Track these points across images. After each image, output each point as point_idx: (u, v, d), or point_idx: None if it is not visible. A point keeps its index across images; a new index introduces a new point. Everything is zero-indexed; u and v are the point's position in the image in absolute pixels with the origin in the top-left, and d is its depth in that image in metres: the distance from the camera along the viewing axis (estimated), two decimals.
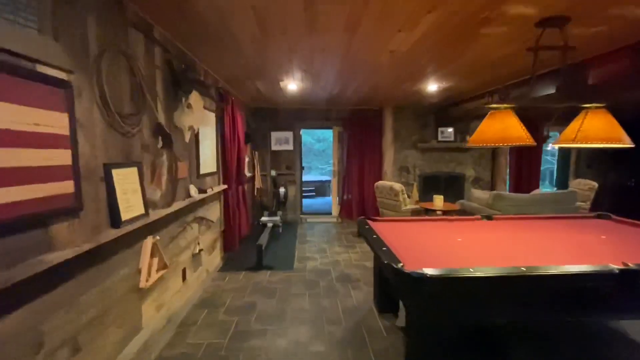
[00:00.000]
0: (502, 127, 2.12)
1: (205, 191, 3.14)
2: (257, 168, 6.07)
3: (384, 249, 2.01)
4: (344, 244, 4.78)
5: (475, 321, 1.72)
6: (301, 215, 6.65)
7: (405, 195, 4.56)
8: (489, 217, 2.94)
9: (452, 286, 1.58)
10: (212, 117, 3.57)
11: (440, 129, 6.47)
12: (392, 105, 6.20)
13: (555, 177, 8.30)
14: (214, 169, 3.70)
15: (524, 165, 6.59)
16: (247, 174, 5.40)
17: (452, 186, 6.72)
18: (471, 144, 2.29)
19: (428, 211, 4.45)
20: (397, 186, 4.54)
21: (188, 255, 2.94)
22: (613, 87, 2.85)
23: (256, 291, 3.23)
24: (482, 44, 2.68)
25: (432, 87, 4.38)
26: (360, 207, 6.51)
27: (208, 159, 3.43)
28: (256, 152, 6.13)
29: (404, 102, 5.89)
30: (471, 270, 1.61)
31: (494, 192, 4.01)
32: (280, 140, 6.38)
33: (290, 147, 6.40)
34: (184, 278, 2.82)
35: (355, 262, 4.01)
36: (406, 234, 2.49)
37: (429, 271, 1.57)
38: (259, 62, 3.22)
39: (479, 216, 2.98)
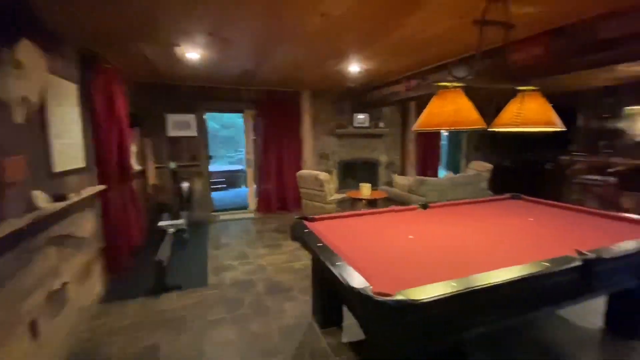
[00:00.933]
0: (455, 108, 1.88)
1: (64, 197, 2.13)
2: (151, 159, 4.89)
3: (338, 263, 1.55)
4: (267, 244, 4.20)
5: (452, 339, 1.43)
6: (212, 213, 5.74)
7: (331, 185, 4.24)
8: (424, 206, 2.81)
9: (439, 309, 1.24)
10: (70, 88, 2.46)
11: (355, 115, 6.38)
12: (310, 88, 5.77)
13: (446, 161, 9.32)
14: (82, 164, 2.62)
15: (428, 151, 7.10)
16: (136, 167, 4.24)
17: (367, 172, 6.78)
18: (419, 129, 2.00)
19: (355, 200, 4.24)
20: (323, 175, 4.17)
21: (40, 298, 1.94)
22: (527, 73, 3.01)
23: (159, 325, 2.42)
24: (420, 17, 2.42)
25: (356, 67, 4.08)
26: (280, 199, 5.98)
27: (68, 150, 2.37)
28: (147, 140, 4.92)
29: (323, 85, 5.52)
30: (453, 284, 1.29)
31: (418, 177, 4.02)
32: (180, 125, 5.28)
33: (193, 132, 5.36)
34: (34, 334, 1.84)
35: (284, 265, 3.51)
36: (353, 235, 2.10)
37: (410, 295, 1.18)
38: (143, 15, 2.29)
39: (415, 206, 2.81)
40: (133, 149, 4.26)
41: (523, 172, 6.83)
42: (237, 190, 9.34)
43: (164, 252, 3.20)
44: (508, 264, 1.50)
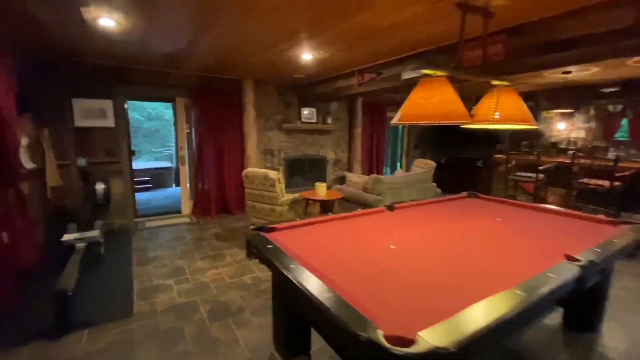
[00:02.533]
0: (443, 99, 1.66)
1: None
2: (50, 156, 3.84)
3: (327, 295, 1.19)
4: (208, 255, 3.61)
5: None
6: (136, 219, 4.83)
7: (283, 185, 3.82)
8: (390, 208, 2.60)
9: (469, 351, 0.96)
10: None
11: (303, 109, 6.03)
12: (253, 78, 5.22)
13: (388, 158, 9.58)
14: None
15: (374, 148, 7.12)
16: (27, 165, 3.26)
17: (314, 169, 6.51)
18: (403, 122, 1.74)
19: (309, 202, 3.89)
20: (273, 174, 3.73)
21: None
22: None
23: None
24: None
25: (308, 55, 3.72)
26: (220, 201, 5.33)
27: None
28: (45, 131, 3.86)
29: (267, 74, 5.03)
30: (478, 316, 1.04)
31: (373, 176, 3.85)
32: (92, 113, 4.28)
33: (109, 122, 4.40)
34: None
35: (231, 280, 3.00)
36: (326, 249, 1.76)
37: (442, 339, 0.89)
38: None
39: (382, 207, 2.59)
40: (22, 142, 3.27)
41: (457, 169, 7.30)
42: (165, 190, 8.24)
43: (69, 276, 2.44)
44: (512, 277, 1.31)
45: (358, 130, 6.62)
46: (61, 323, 2.19)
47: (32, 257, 2.86)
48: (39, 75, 3.82)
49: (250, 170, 3.97)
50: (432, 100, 1.66)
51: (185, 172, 5.28)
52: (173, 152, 15.08)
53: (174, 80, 4.80)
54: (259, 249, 1.73)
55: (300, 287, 1.27)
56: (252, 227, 1.98)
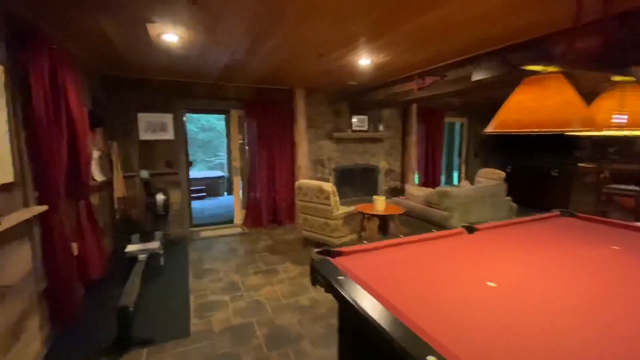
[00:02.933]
0: (563, 101, 1.31)
1: None
2: (117, 167, 4.06)
3: (422, 347, 0.91)
4: (261, 269, 3.50)
5: None
6: (192, 229, 4.95)
7: (337, 198, 3.61)
8: (470, 229, 2.24)
9: None
10: None
11: (353, 117, 5.80)
12: (305, 87, 5.13)
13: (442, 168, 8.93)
14: (8, 178, 1.83)
15: (429, 157, 6.64)
16: (98, 177, 3.43)
17: (365, 179, 6.22)
18: (501, 130, 1.42)
19: (366, 216, 3.62)
20: (328, 187, 3.54)
21: None
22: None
23: None
24: None
25: (366, 60, 3.50)
26: (271, 211, 5.27)
27: None
28: (114, 144, 4.09)
29: (319, 83, 4.91)
30: None
31: (439, 189, 3.47)
32: (154, 126, 4.48)
33: (169, 135, 4.57)
34: None
35: (287, 301, 2.82)
36: (406, 283, 1.48)
37: None
38: None
39: (460, 229, 2.23)
40: (94, 155, 3.45)
41: (527, 179, 6.50)
42: (218, 199, 8.49)
43: (131, 290, 2.44)
44: None
45: (412, 138, 6.21)
46: (123, 340, 2.16)
47: (100, 267, 2.96)
48: (109, 92, 4.08)
49: (303, 182, 3.82)
50: (547, 103, 1.32)
51: (237, 182, 5.31)
52: (224, 161, 15.80)
53: (229, 92, 4.88)
54: (327, 279, 1.51)
55: (385, 333, 1.02)
56: (316, 250, 1.77)
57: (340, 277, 1.47)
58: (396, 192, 6.20)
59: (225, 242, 4.48)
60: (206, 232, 4.90)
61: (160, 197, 3.96)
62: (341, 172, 5.89)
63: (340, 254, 1.76)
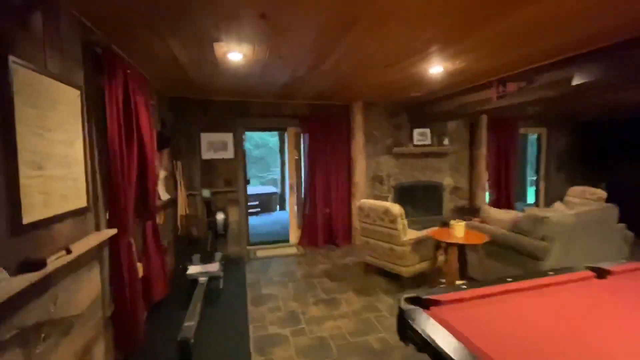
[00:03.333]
0: None
1: (42, 263, 1.31)
2: (181, 187, 4.16)
3: None
4: (321, 298, 3.22)
5: None
6: (249, 247, 4.89)
7: (405, 221, 3.23)
8: (599, 272, 1.72)
9: None
10: (65, 94, 1.70)
11: (415, 131, 5.38)
12: (363, 100, 4.89)
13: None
14: (81, 203, 1.82)
15: (502, 172, 5.90)
16: (163, 196, 3.50)
17: (428, 197, 5.69)
18: None
19: (440, 244, 3.17)
20: (395, 209, 3.18)
21: None
22: None
23: None
24: None
25: (436, 69, 3.14)
26: (326, 230, 5.03)
27: (56, 185, 1.57)
28: (178, 163, 4.22)
29: (379, 96, 4.63)
30: None
31: (531, 213, 2.91)
32: (216, 146, 4.56)
33: (229, 154, 4.62)
34: None
35: (353, 339, 2.49)
36: (538, 354, 1.08)
37: None
38: None
39: (586, 272, 1.74)
40: (161, 175, 3.54)
41: (631, 200, 5.41)
42: (272, 215, 8.52)
43: (192, 318, 2.31)
44: None
45: (482, 151, 5.57)
46: None
47: (163, 288, 2.94)
48: (176, 114, 4.24)
49: (366, 202, 3.51)
50: None
51: (293, 200, 5.18)
52: (276, 176, 16.16)
53: (285, 110, 4.83)
54: (427, 341, 1.17)
55: None
56: (405, 296, 1.44)
57: (449, 340, 1.13)
58: (464, 211, 5.56)
59: (282, 263, 4.31)
60: (262, 252, 4.80)
61: (220, 216, 3.94)
62: (401, 190, 5.46)
63: (436, 303, 1.41)
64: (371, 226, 3.48)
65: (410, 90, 4.22)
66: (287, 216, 8.24)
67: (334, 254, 4.61)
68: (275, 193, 9.75)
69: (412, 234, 3.29)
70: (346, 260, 4.33)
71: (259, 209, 8.80)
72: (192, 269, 3.14)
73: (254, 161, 17.90)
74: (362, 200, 3.61)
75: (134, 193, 2.41)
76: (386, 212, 3.24)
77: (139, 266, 2.72)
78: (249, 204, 8.77)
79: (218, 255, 3.57)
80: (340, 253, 4.66)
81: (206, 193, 3.90)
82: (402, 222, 3.21)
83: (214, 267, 3.22)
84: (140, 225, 2.83)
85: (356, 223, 4.99)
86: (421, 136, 5.41)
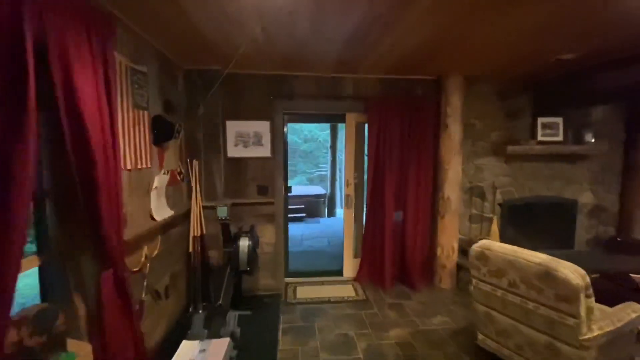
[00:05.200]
0: None
1: None
2: (197, 196, 2.93)
3: None
4: None
5: None
6: (287, 280, 3.56)
7: (593, 302, 1.58)
8: None
9: None
10: None
11: (540, 121, 3.53)
12: (462, 73, 3.21)
13: None
14: None
15: None
16: (160, 215, 2.27)
17: (553, 221, 3.79)
18: None
19: None
20: (571, 274, 1.55)
21: None
22: None
23: None
24: None
25: None
26: (397, 264, 3.49)
27: None
28: (195, 162, 3.00)
29: (491, 64, 2.91)
30: None
31: None
32: (246, 138, 3.26)
33: (265, 151, 3.29)
34: None
35: None
36: None
37: None
38: None
39: None
40: (156, 181, 2.33)
41: None
42: (319, 222, 7.15)
43: None
44: None
45: None
46: None
47: None
48: (192, 93, 3.00)
49: (495, 246, 1.91)
50: None
51: (350, 219, 3.69)
52: (324, 172, 14.87)
53: (345, 88, 3.35)
54: None
55: None
56: None
57: None
58: (613, 245, 3.60)
59: (332, 318, 2.87)
60: (305, 289, 3.41)
61: (244, 243, 2.62)
62: (511, 209, 3.66)
63: None
64: (504, 293, 1.88)
65: (558, 49, 2.47)
66: (337, 224, 6.85)
67: (412, 306, 3.05)
68: (323, 195, 8.38)
69: (604, 326, 1.62)
70: (435, 323, 2.76)
71: (304, 214, 7.50)
72: (184, 349, 1.84)
73: (302, 156, 16.76)
74: (483, 243, 2.00)
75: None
76: (548, 277, 1.61)
77: (88, 350, 1.51)
78: (292, 207, 7.55)
79: (232, 317, 2.25)
80: (421, 305, 3.09)
81: (222, 212, 2.61)
82: (586, 304, 1.56)
83: (221, 345, 1.89)
84: (92, 276, 1.60)
85: (445, 258, 3.37)
86: (549, 129, 3.55)
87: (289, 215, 7.41)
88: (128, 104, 1.98)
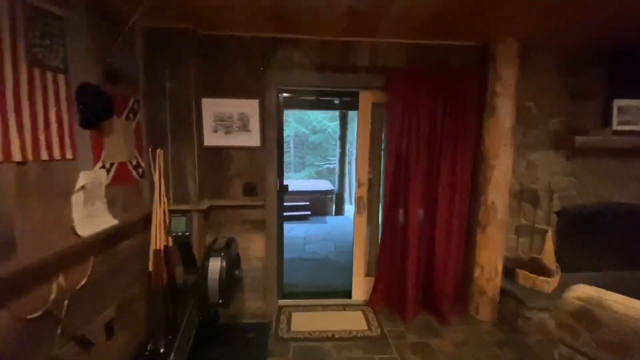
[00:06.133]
0: None
1: None
2: (161, 196, 2.20)
3: None
4: None
5: None
6: (281, 303, 2.83)
7: None
8: None
9: None
10: None
11: (617, 104, 2.67)
12: (518, 37, 2.37)
13: None
14: None
15: None
16: (89, 230, 1.54)
17: (627, 234, 2.95)
18: None
19: None
20: None
21: None
22: None
23: None
24: None
25: None
26: (420, 287, 2.72)
27: None
28: (157, 153, 2.26)
29: (559, 22, 2.06)
30: None
31: None
32: (228, 121, 2.51)
33: (253, 138, 2.54)
34: None
35: None
36: None
37: None
38: None
39: None
40: (81, 179, 1.60)
41: None
42: (325, 222, 6.40)
43: None
44: None
45: None
46: None
47: None
48: (155, 59, 2.25)
49: (611, 301, 1.11)
50: None
51: (362, 226, 2.92)
52: (332, 165, 14.10)
53: (358, 57, 2.55)
54: None
55: None
56: None
57: None
58: None
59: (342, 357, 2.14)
60: (303, 317, 2.68)
61: (215, 266, 1.89)
62: (571, 219, 2.83)
63: None
64: None
65: None
66: (346, 224, 6.10)
67: (444, 349, 2.29)
68: (331, 191, 7.62)
69: None
70: None
71: (309, 212, 6.76)
72: None
73: (311, 147, 15.98)
74: (589, 291, 1.21)
75: None
76: None
77: None
78: (296, 204, 6.82)
79: None
80: (455, 347, 2.32)
81: (178, 224, 1.86)
82: None
83: None
84: None
85: (486, 281, 2.59)
86: (628, 114, 2.68)
87: (292, 214, 6.65)
88: (16, 59, 1.24)
